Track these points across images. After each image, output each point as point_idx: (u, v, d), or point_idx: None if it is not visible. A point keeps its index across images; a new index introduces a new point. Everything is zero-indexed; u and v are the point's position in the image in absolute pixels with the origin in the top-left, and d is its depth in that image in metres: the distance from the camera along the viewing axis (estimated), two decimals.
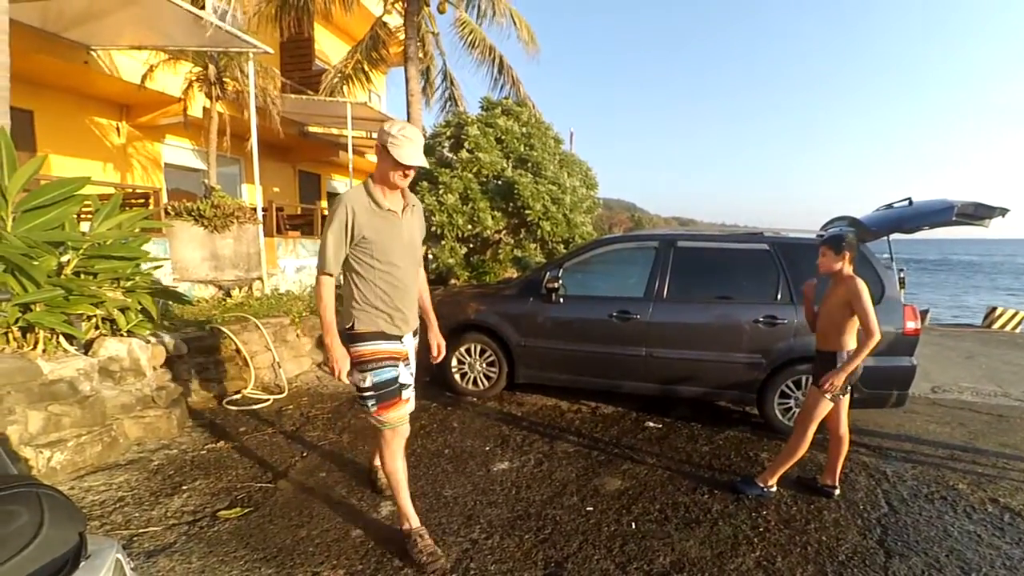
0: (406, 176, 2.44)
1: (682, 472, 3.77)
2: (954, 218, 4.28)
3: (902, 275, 4.65)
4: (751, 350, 4.48)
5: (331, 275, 2.47)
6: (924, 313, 12.81)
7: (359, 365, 2.53)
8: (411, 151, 2.35)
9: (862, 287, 3.07)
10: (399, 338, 2.63)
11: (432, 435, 4.28)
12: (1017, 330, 12.52)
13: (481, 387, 5.23)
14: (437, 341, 3.00)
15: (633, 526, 3.02)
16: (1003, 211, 4.37)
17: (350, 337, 2.54)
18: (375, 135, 14.58)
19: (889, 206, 4.80)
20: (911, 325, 4.32)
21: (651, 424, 4.68)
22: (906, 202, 4.61)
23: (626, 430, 4.53)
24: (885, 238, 4.61)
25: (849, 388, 3.27)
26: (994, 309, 13.41)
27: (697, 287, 4.75)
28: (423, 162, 2.42)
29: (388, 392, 2.57)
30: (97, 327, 3.96)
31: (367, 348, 2.53)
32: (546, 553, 2.73)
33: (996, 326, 12.69)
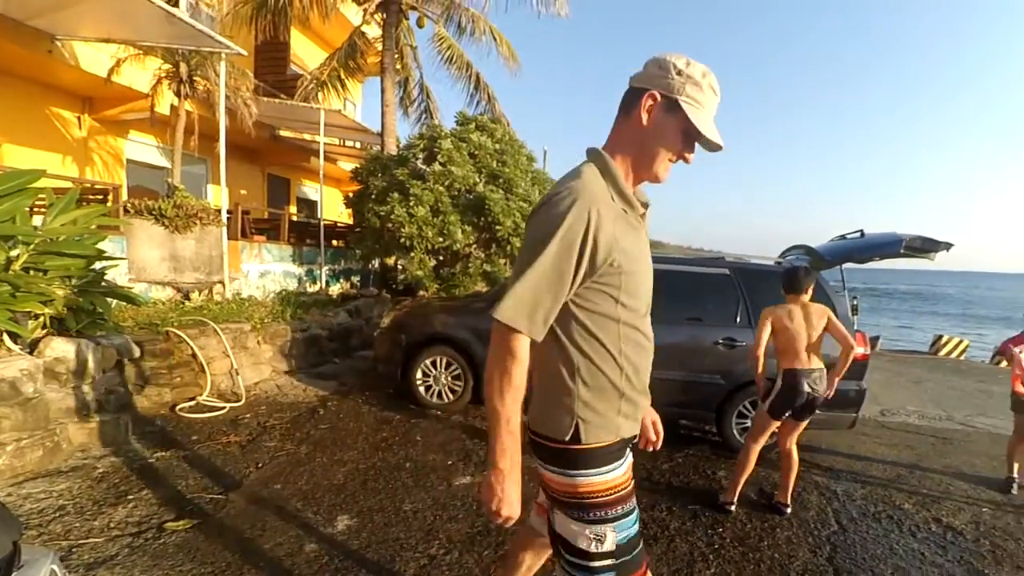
0: (689, 156, 1.37)
1: (642, 489, 3.79)
2: (902, 250, 4.52)
3: (855, 302, 4.85)
4: (711, 371, 4.59)
5: (533, 338, 1.26)
6: (875, 339, 13.37)
7: (585, 511, 1.37)
8: (712, 117, 1.34)
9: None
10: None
11: (393, 448, 4.22)
12: (962, 357, 13.19)
13: (446, 400, 5.19)
14: (652, 419, 1.86)
15: None
16: (948, 245, 4.63)
17: (567, 458, 1.35)
18: (348, 143, 14.55)
19: (843, 237, 5.02)
20: (861, 351, 4.49)
21: None
22: (858, 233, 4.84)
23: None
24: (838, 267, 4.81)
25: (798, 411, 3.43)
26: (940, 337, 14.12)
27: (661, 308, 4.83)
28: (720, 140, 1.34)
29: (634, 559, 1.42)
30: (45, 326, 3.79)
31: (604, 480, 1.37)
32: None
33: (942, 353, 13.35)
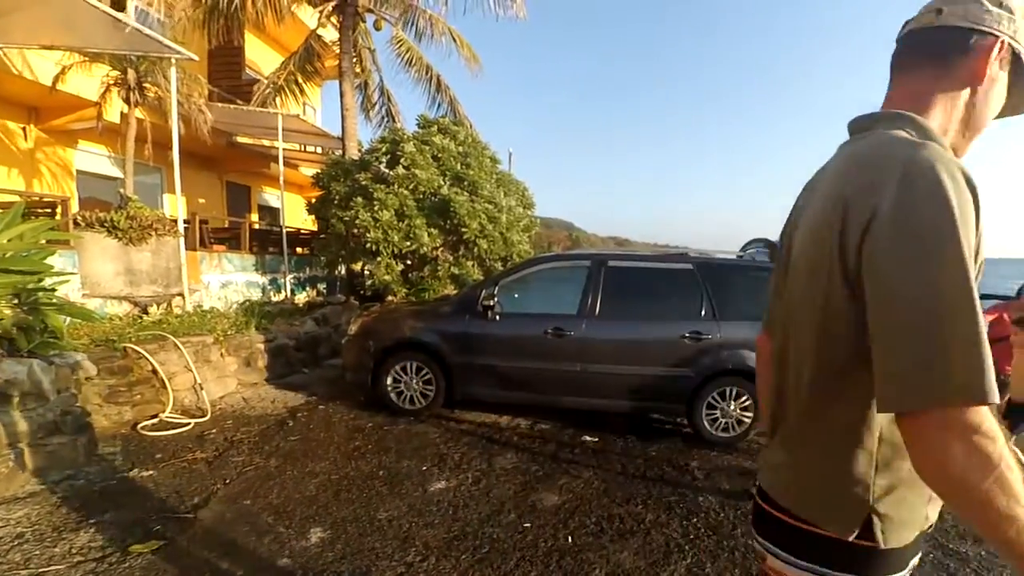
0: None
1: (617, 484, 3.85)
2: None
3: None
4: (679, 364, 4.68)
5: (992, 401, 0.71)
6: None
7: None
8: None
9: None
10: None
11: (367, 456, 4.16)
12: None
13: (418, 405, 5.15)
14: None
15: (570, 540, 3.05)
16: None
17: (849, 559, 0.94)
18: (308, 148, 14.29)
19: None
20: None
21: (587, 438, 4.76)
22: None
23: (563, 445, 4.59)
24: None
25: None
26: None
27: (627, 305, 4.92)
28: None
29: None
30: None
31: None
32: (483, 573, 2.71)
33: None
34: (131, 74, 8.31)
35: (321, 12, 11.02)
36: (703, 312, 4.73)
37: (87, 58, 8.10)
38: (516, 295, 5.13)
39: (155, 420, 4.63)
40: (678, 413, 4.88)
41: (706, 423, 4.71)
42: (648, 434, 4.96)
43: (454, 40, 11.83)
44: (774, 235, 5.19)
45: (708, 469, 4.17)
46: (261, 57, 14.60)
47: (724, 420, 4.69)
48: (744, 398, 4.65)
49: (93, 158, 10.22)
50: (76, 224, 6.64)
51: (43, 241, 4.24)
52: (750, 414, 4.66)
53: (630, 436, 4.86)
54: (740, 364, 4.61)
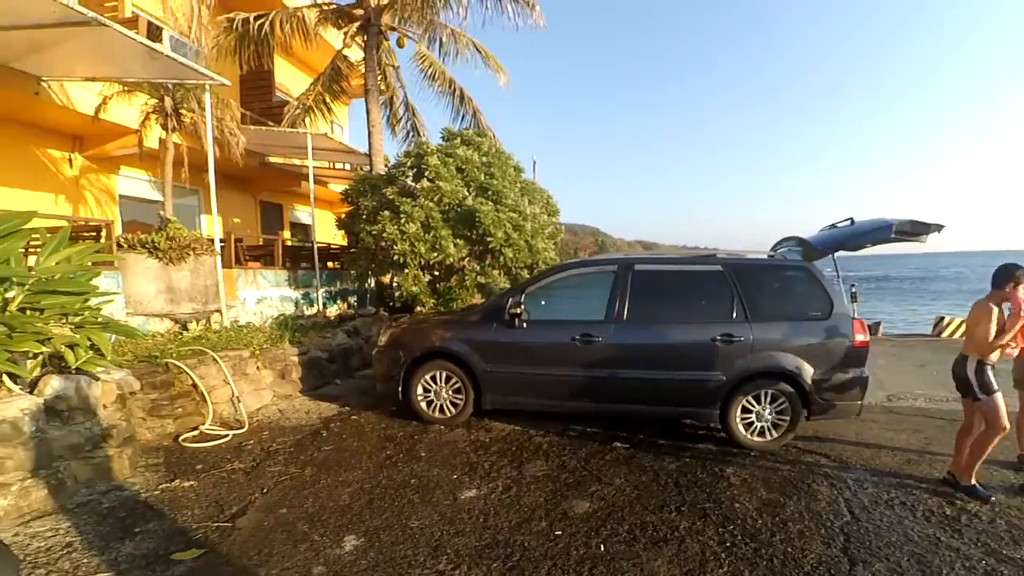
0: None
1: (650, 491, 3.79)
2: (893, 235, 4.56)
3: (854, 290, 4.88)
4: (711, 368, 4.59)
5: None
6: (876, 325, 13.35)
7: None
8: None
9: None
10: None
11: (398, 465, 4.20)
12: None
13: (448, 415, 5.18)
14: None
15: (602, 548, 3.01)
16: (938, 227, 4.67)
17: None
18: (337, 165, 14.60)
19: (833, 226, 5.05)
20: (860, 338, 4.51)
21: (618, 444, 4.71)
22: (848, 222, 4.87)
23: (594, 451, 4.54)
24: (831, 255, 4.84)
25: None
26: (942, 319, 14.08)
27: (656, 308, 4.86)
28: None
29: None
30: (44, 365, 3.78)
31: None
32: None
33: (945, 334, 13.31)
34: (168, 101, 8.66)
35: (346, 33, 11.30)
36: (734, 314, 4.64)
37: (127, 88, 8.49)
38: (543, 302, 5.12)
39: (195, 432, 4.78)
40: (711, 418, 4.77)
41: (740, 427, 4.60)
42: (681, 439, 4.87)
43: (479, 52, 11.96)
44: (806, 233, 5.07)
45: (744, 475, 4.06)
46: (290, 79, 15.04)
47: (759, 424, 4.58)
48: (780, 401, 4.53)
49: (134, 183, 10.67)
50: (119, 246, 6.94)
51: (89, 263, 4.44)
52: (786, 418, 4.53)
53: (662, 441, 4.78)
54: (774, 366, 4.50)
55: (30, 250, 5.47)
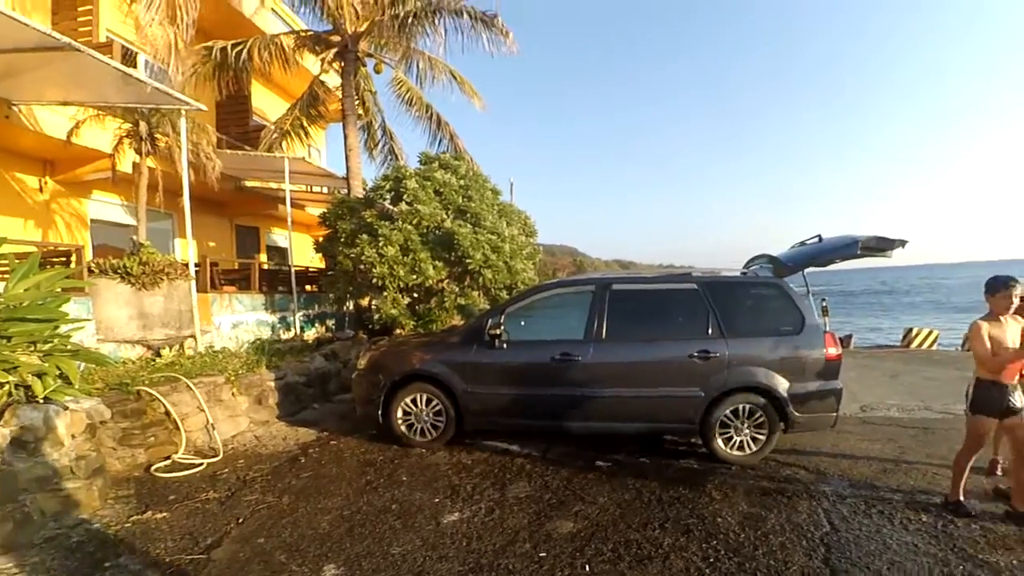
0: None
1: (633, 508, 3.79)
2: (859, 251, 4.73)
3: (825, 304, 5.01)
4: (689, 384, 4.65)
5: None
6: (848, 338, 13.69)
7: None
8: None
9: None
10: None
11: (379, 490, 4.13)
12: (933, 347, 13.54)
13: (429, 437, 5.13)
14: None
15: (587, 568, 3.00)
16: (902, 243, 4.86)
17: None
18: (315, 188, 14.57)
19: (802, 243, 5.21)
20: (832, 351, 4.63)
21: (601, 463, 4.71)
22: (817, 239, 5.04)
23: (577, 471, 4.53)
24: (801, 272, 4.98)
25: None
26: (911, 330, 14.54)
27: (633, 327, 4.92)
28: None
29: None
30: (10, 394, 3.66)
31: None
32: None
33: (914, 345, 13.72)
34: (143, 126, 8.58)
35: (323, 59, 11.39)
36: (710, 330, 4.72)
37: (100, 112, 8.40)
38: (522, 323, 5.15)
39: (168, 461, 4.65)
40: (691, 433, 4.83)
41: (720, 442, 4.65)
42: (663, 456, 4.89)
43: (455, 78, 12.16)
44: (776, 250, 5.22)
45: (725, 489, 4.10)
46: (267, 104, 15.04)
47: (738, 439, 4.63)
48: (758, 415, 4.60)
49: (106, 207, 10.48)
50: (90, 271, 6.79)
51: (59, 289, 4.34)
52: (764, 431, 4.60)
53: (644, 459, 4.80)
54: (750, 381, 4.58)
55: None
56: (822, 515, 3.64)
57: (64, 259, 6.98)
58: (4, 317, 3.70)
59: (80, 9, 9.00)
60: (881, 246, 4.81)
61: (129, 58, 8.65)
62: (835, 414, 4.68)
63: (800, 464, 4.62)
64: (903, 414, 6.42)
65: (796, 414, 4.55)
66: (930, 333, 14.09)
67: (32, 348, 3.86)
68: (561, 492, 4.09)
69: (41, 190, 9.18)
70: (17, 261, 4.10)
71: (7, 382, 3.63)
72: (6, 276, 4.23)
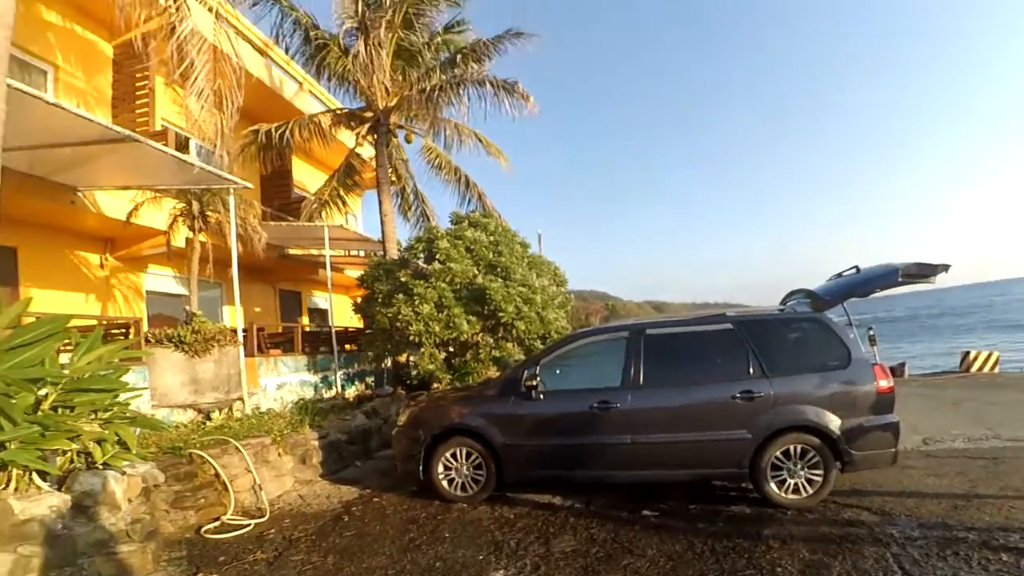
0: None
1: (685, 560, 3.63)
2: (900, 279, 4.60)
3: (872, 333, 4.85)
4: (734, 426, 4.51)
5: None
6: (901, 366, 12.95)
7: None
8: None
9: None
10: None
11: (422, 548, 4.09)
12: (995, 370, 12.64)
13: (470, 492, 5.07)
14: None
15: None
16: (945, 267, 4.71)
17: None
18: (352, 252, 15.23)
19: (839, 275, 5.11)
20: (883, 384, 4.44)
21: (647, 513, 4.55)
22: (854, 270, 4.94)
23: (623, 522, 4.39)
24: (841, 304, 4.86)
25: None
26: (968, 353, 13.63)
27: (671, 371, 4.85)
28: None
29: None
30: (72, 461, 3.84)
31: None
32: None
33: (974, 369, 12.85)
34: (195, 204, 9.24)
35: (358, 133, 12.25)
36: (751, 370, 4.61)
37: (156, 194, 9.10)
38: (558, 372, 5.14)
39: (217, 523, 4.73)
40: (742, 478, 4.62)
41: (773, 485, 4.44)
42: (713, 503, 4.69)
43: (480, 142, 12.83)
44: (812, 284, 5.12)
45: (783, 536, 3.88)
46: (307, 176, 15.99)
47: (792, 481, 4.43)
48: (811, 456, 4.40)
49: (161, 279, 11.17)
50: (147, 341, 7.18)
51: (118, 360, 4.61)
52: (819, 472, 4.38)
53: (693, 507, 4.62)
54: (799, 419, 4.42)
55: (63, 348, 5.69)
56: (891, 560, 3.40)
57: (124, 330, 7.41)
58: (69, 388, 3.93)
59: (138, 102, 9.95)
60: (923, 272, 4.68)
61: (181, 143, 9.44)
62: (894, 450, 4.43)
63: (862, 505, 4.35)
64: (970, 444, 6.01)
65: (852, 452, 4.34)
66: (990, 355, 13.18)
67: (93, 416, 4.07)
68: (608, 545, 3.95)
69: (102, 266, 9.89)
70: (81, 335, 4.39)
71: (70, 450, 3.82)
72: (69, 348, 4.53)
